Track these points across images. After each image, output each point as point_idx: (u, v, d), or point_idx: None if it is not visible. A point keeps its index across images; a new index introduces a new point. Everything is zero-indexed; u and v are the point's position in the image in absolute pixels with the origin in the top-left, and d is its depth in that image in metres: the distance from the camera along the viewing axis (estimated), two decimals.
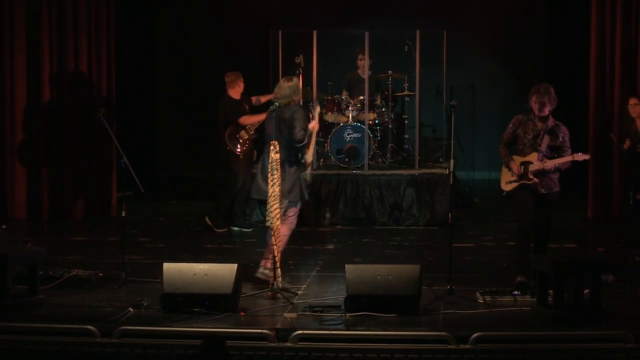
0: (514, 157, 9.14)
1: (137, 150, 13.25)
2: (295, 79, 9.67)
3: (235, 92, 12.20)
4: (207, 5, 16.47)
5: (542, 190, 9.06)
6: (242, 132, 12.10)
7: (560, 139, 9.04)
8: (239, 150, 12.08)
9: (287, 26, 13.46)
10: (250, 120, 12.11)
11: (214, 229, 12.22)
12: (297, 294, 8.99)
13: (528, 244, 9.09)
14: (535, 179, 9.03)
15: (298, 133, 9.23)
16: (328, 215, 12.70)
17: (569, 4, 15.31)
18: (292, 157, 9.31)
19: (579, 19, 13.97)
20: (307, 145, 9.38)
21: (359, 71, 13.71)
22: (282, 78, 9.99)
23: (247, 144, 12.11)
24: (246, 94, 12.33)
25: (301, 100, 10.89)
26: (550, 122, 9.05)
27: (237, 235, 12.13)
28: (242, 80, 12.23)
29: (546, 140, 9.03)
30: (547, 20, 16.22)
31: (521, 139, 9.11)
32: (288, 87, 9.46)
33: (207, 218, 12.30)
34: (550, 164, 8.99)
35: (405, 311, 8.24)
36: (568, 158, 8.99)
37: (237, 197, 12.34)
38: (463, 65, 15.52)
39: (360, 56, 13.58)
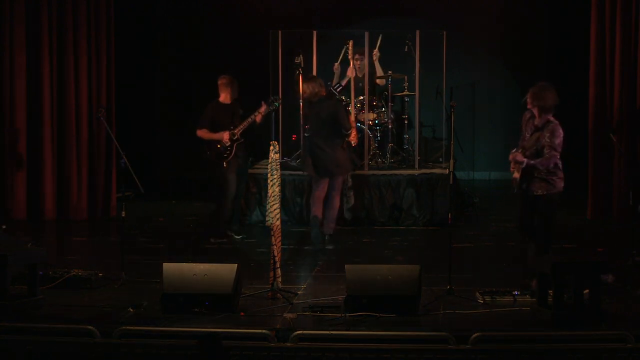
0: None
1: (137, 150, 13.27)
2: (317, 78, 11.59)
3: (225, 97, 11.71)
4: (207, 5, 16.47)
5: (539, 192, 9.02)
6: (226, 138, 11.58)
7: (546, 138, 8.99)
8: (221, 157, 11.60)
9: (287, 26, 13.46)
10: (205, 135, 11.60)
11: (211, 238, 11.71)
12: (297, 294, 9.00)
13: (528, 246, 9.11)
14: (516, 174, 9.03)
15: (347, 124, 11.43)
16: None
17: (568, 3, 15.31)
18: (338, 137, 11.31)
19: (579, 18, 13.97)
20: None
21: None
22: (303, 82, 11.65)
23: (227, 151, 11.58)
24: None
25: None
26: (542, 120, 9.03)
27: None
28: (235, 84, 11.74)
29: (534, 138, 9.03)
30: (547, 20, 16.22)
31: (524, 137, 9.13)
32: (317, 85, 11.35)
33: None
34: (520, 157, 8.99)
35: (405, 311, 8.24)
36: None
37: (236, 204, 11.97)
38: (463, 65, 15.52)
39: (356, 56, 13.47)
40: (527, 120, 9.13)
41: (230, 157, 11.61)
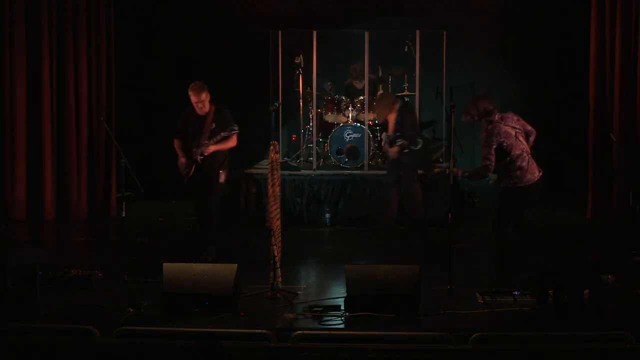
0: None
1: (137, 151, 13.25)
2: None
3: (196, 106, 10.44)
4: (207, 5, 16.46)
5: (500, 184, 9.60)
6: (194, 152, 10.36)
7: None
8: (182, 172, 10.51)
9: (287, 26, 13.45)
10: (176, 147, 10.47)
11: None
12: (297, 294, 8.99)
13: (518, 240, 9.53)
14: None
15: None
16: (328, 215, 12.70)
17: (568, 3, 15.31)
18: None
19: (579, 18, 13.97)
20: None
21: (355, 83, 13.71)
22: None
23: (187, 169, 10.45)
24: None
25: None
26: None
27: (237, 236, 12.09)
28: (201, 89, 10.43)
29: None
30: (547, 20, 16.21)
31: None
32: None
33: None
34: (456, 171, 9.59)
35: (405, 311, 8.24)
36: None
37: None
38: (463, 65, 15.52)
39: (354, 77, 13.64)
40: None
41: (190, 174, 10.39)
